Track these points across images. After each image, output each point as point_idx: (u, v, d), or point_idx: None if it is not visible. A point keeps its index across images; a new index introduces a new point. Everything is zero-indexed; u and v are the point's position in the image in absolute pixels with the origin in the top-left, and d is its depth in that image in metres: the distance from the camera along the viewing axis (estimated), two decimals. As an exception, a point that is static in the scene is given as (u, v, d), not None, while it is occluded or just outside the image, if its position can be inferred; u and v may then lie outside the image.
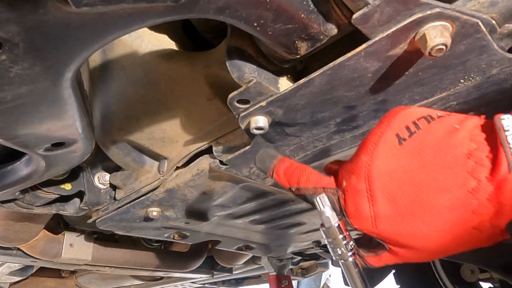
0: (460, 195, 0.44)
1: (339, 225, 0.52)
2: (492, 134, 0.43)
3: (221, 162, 0.88)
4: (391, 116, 0.51)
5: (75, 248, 1.58)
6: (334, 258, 0.54)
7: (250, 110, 0.67)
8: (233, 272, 2.38)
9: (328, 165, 0.60)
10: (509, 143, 0.41)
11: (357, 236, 0.60)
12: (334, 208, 0.52)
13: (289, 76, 0.70)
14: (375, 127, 0.51)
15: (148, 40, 0.81)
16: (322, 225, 0.53)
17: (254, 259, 2.18)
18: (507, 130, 0.41)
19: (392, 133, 0.49)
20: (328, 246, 0.54)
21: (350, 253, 0.53)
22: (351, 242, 0.53)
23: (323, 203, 0.52)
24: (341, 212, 0.52)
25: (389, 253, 0.53)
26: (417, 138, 0.47)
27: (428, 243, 0.48)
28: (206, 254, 2.04)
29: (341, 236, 0.52)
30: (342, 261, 0.53)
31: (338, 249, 0.53)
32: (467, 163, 0.44)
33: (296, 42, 0.57)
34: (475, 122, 0.46)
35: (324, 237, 0.53)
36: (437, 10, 0.49)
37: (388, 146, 0.48)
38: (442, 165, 0.45)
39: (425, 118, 0.48)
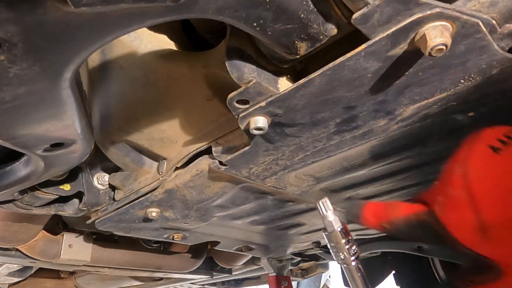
0: None
1: (342, 229, 0.52)
2: None
3: (220, 162, 0.88)
4: (471, 138, 0.50)
5: (74, 249, 1.58)
6: (337, 262, 0.53)
7: (250, 110, 0.67)
8: (233, 273, 2.38)
9: (410, 199, 0.58)
10: None
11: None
12: (433, 232, 0.48)
13: (288, 76, 0.70)
14: (453, 155, 0.50)
15: (147, 40, 0.81)
16: (325, 229, 0.53)
17: (253, 260, 2.18)
18: None
19: (483, 145, 0.48)
20: (330, 251, 0.54)
21: (353, 258, 0.52)
22: (354, 247, 0.52)
23: (326, 207, 0.52)
24: (440, 228, 0.47)
25: (507, 278, 0.47)
26: None
27: None
28: (205, 255, 2.04)
29: (343, 241, 0.52)
30: (345, 265, 0.53)
31: (341, 254, 0.52)
32: None
33: (296, 42, 0.57)
34: None
35: (327, 241, 0.53)
36: (437, 10, 0.48)
37: (483, 155, 0.47)
38: None
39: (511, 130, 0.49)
